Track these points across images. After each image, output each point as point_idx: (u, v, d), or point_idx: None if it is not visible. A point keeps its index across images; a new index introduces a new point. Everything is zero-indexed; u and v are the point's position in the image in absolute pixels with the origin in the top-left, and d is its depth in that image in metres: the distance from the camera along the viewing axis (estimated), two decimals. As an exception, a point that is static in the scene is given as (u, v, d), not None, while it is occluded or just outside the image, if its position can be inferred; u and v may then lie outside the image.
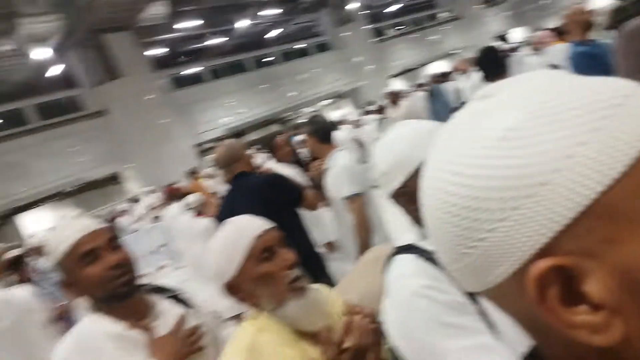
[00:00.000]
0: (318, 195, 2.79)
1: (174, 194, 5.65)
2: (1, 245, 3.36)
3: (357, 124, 9.05)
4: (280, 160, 3.77)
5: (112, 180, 14.58)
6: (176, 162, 12.62)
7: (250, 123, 17.57)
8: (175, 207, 5.03)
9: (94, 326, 1.26)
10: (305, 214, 2.69)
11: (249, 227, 1.14)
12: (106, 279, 1.24)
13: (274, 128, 19.84)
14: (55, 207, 14.52)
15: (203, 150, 15.23)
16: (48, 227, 8.39)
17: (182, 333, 1.30)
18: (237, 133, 15.92)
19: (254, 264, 1.10)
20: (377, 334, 1.01)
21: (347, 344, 0.98)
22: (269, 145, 4.30)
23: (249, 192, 2.42)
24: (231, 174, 2.55)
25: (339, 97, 20.97)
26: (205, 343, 1.34)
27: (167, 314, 1.34)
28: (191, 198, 4.74)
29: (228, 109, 16.64)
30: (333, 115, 17.01)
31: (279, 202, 2.35)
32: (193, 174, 8.94)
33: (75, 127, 13.51)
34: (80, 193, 14.68)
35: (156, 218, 7.88)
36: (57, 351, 1.23)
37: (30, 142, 12.71)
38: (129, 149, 13.41)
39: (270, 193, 2.39)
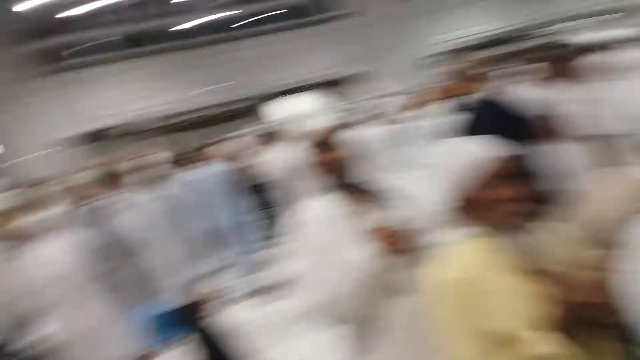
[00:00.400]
0: (554, 127, 2.67)
1: (448, 94, 5.28)
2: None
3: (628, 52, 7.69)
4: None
5: (359, 78, 15.74)
6: (416, 69, 13.12)
7: (501, 35, 16.26)
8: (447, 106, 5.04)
9: (329, 204, 1.57)
10: (545, 150, 2.61)
11: (487, 151, 1.12)
12: (338, 168, 1.57)
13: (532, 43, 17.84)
14: (308, 96, 16.57)
15: (441, 60, 15.02)
16: (300, 115, 9.81)
17: (401, 232, 1.43)
18: (481, 45, 15.08)
19: (485, 188, 1.09)
20: (607, 293, 0.93)
21: (575, 298, 0.93)
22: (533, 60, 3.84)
23: (482, 117, 2.51)
24: (468, 91, 2.67)
25: (614, 13, 17.39)
26: (417, 246, 1.46)
27: (399, 213, 1.51)
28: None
29: (472, 19, 15.75)
30: (598, 36, 14.40)
31: (509, 131, 2.35)
32: (462, 74, 8.71)
33: (332, 25, 14.83)
34: (329, 87, 16.33)
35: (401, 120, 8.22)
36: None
37: (295, 35, 14.60)
38: (376, 51, 14.30)
39: (502, 122, 2.38)
